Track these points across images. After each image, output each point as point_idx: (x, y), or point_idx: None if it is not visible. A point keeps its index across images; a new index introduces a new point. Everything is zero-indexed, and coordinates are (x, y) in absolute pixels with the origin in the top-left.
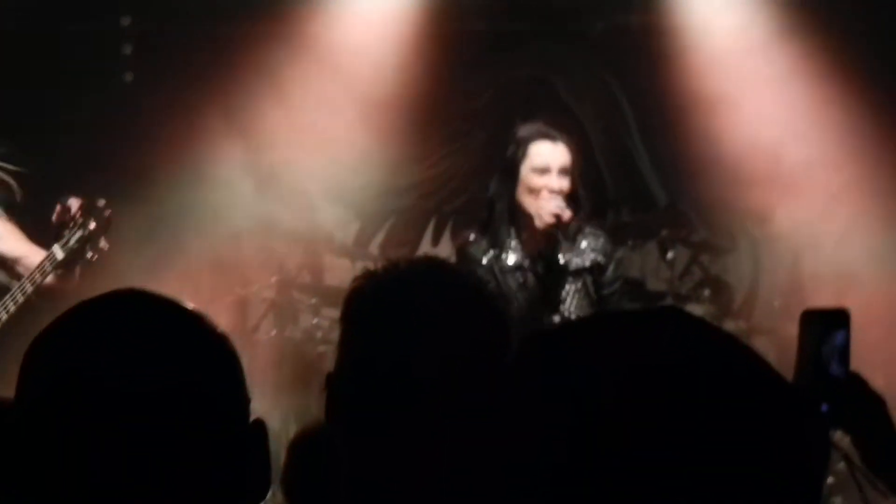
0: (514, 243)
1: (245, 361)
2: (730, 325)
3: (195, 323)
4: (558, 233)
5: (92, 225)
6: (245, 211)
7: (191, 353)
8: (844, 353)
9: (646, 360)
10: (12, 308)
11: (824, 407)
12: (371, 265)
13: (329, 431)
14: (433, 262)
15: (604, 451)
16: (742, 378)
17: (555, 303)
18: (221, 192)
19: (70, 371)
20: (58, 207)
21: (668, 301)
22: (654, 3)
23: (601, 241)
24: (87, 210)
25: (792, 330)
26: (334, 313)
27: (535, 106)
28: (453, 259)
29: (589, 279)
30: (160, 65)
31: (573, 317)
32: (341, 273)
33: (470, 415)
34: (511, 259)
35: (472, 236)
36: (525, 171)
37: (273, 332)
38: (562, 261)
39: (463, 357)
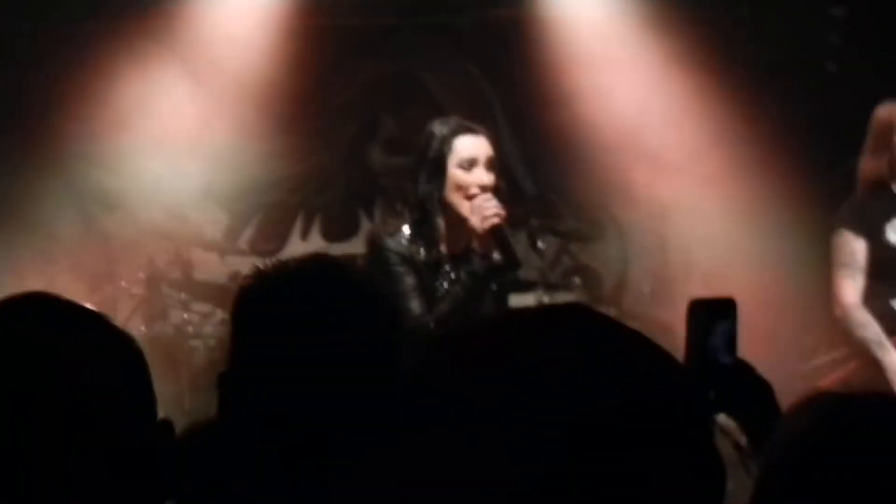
0: (443, 241)
1: None
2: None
3: (100, 324)
4: (506, 231)
5: None
6: (112, 206)
7: (98, 353)
8: (731, 341)
9: (550, 362)
10: None
11: (712, 394)
12: (239, 261)
13: (222, 429)
14: (322, 259)
15: (509, 456)
16: (647, 374)
17: (500, 302)
18: (89, 186)
19: None
20: None
21: (540, 290)
22: None
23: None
24: None
25: (662, 315)
26: (204, 308)
27: (403, 100)
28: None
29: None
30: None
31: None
32: (211, 268)
33: (362, 411)
34: (441, 256)
35: (392, 227)
36: (451, 167)
37: (142, 329)
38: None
39: (354, 350)
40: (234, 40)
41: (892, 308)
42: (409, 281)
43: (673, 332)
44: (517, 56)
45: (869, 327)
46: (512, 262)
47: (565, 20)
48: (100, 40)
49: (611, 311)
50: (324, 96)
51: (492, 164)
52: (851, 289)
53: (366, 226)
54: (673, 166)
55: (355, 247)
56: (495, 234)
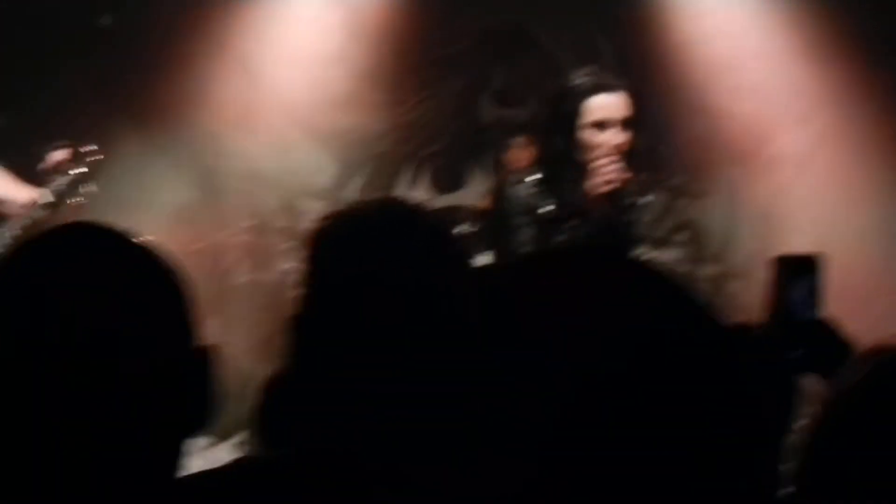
0: (568, 198)
1: (220, 306)
2: (706, 270)
3: (139, 254)
4: (612, 204)
5: (81, 170)
6: (221, 152)
7: (131, 283)
8: (815, 297)
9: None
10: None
11: (798, 352)
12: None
13: (293, 376)
14: (396, 204)
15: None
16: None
17: None
18: (200, 134)
19: (12, 304)
20: (47, 153)
21: (647, 245)
22: None
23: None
24: (76, 156)
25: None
26: None
27: (514, 52)
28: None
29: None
30: (139, 6)
31: None
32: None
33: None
34: (562, 212)
35: (517, 178)
36: (583, 126)
37: (248, 276)
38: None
39: (419, 299)
40: None
41: None
42: (528, 232)
43: None
44: (631, 13)
45: None
46: (621, 229)
47: None
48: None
49: (717, 269)
50: (434, 48)
51: (627, 125)
52: None
53: (475, 177)
54: (783, 127)
55: (463, 198)
56: (610, 200)
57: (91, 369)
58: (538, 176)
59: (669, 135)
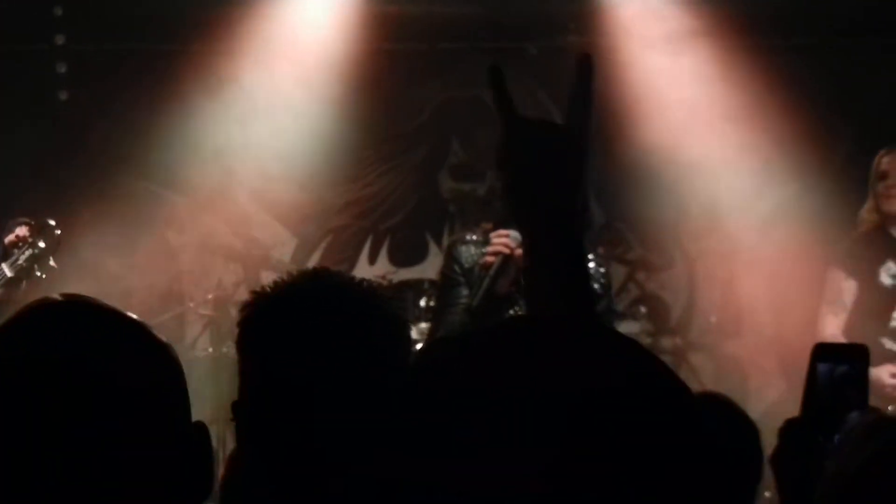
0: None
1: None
2: (667, 342)
3: (138, 330)
4: (495, 272)
5: (41, 244)
6: (183, 226)
7: (134, 357)
8: (861, 387)
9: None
10: None
11: (833, 442)
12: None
13: (240, 459)
14: (320, 275)
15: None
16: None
17: None
18: (162, 208)
19: (16, 373)
20: (8, 227)
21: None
22: (589, 24)
23: (600, 270)
24: (38, 230)
25: (728, 347)
26: None
27: (471, 125)
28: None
29: None
30: (96, 82)
31: None
32: None
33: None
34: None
35: (468, 236)
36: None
37: (210, 349)
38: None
39: (358, 369)
40: (304, 65)
41: (881, 344)
42: (462, 292)
43: (741, 363)
44: (587, 81)
45: None
46: (485, 298)
47: (633, 47)
48: (172, 59)
49: (676, 341)
50: (394, 121)
51: None
52: (832, 324)
53: (434, 251)
54: (741, 198)
55: (424, 271)
56: (487, 270)
57: (99, 443)
58: (474, 237)
59: (628, 209)
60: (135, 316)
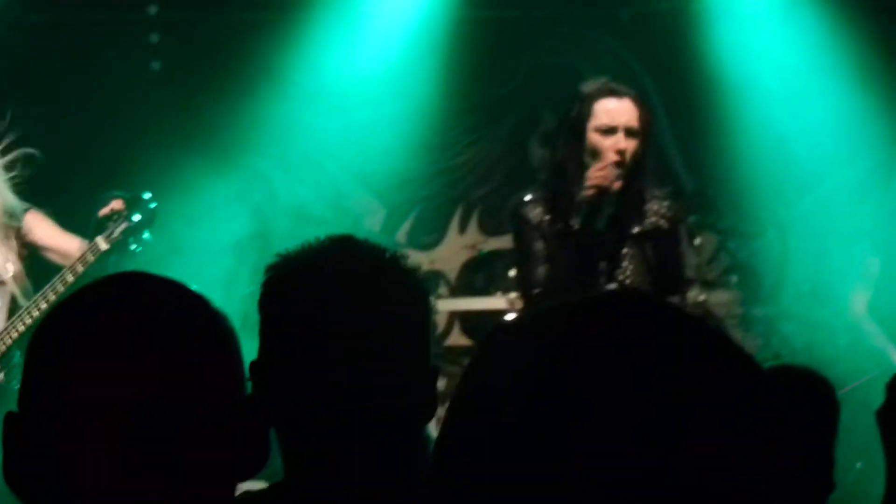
0: (565, 204)
1: None
2: (758, 311)
3: (193, 302)
4: (598, 201)
5: (136, 217)
6: (275, 197)
7: (188, 330)
8: None
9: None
10: (52, 297)
11: None
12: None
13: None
14: (346, 242)
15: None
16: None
17: (605, 271)
18: (252, 180)
19: (71, 353)
20: (103, 200)
21: (696, 288)
22: None
23: (665, 204)
24: (132, 203)
25: (820, 315)
26: None
27: (562, 93)
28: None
29: (649, 245)
30: (188, 53)
31: (629, 283)
32: None
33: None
34: (565, 223)
35: (528, 196)
36: (590, 131)
37: None
38: (603, 227)
39: (377, 335)
40: (395, 33)
41: None
42: (538, 247)
43: (831, 330)
44: (676, 49)
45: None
46: (587, 232)
47: (726, 11)
48: (262, 30)
49: (767, 310)
50: (484, 89)
51: (634, 132)
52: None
53: None
54: (834, 162)
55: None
56: (589, 203)
57: (152, 418)
58: (539, 193)
59: (719, 176)
60: (192, 288)
